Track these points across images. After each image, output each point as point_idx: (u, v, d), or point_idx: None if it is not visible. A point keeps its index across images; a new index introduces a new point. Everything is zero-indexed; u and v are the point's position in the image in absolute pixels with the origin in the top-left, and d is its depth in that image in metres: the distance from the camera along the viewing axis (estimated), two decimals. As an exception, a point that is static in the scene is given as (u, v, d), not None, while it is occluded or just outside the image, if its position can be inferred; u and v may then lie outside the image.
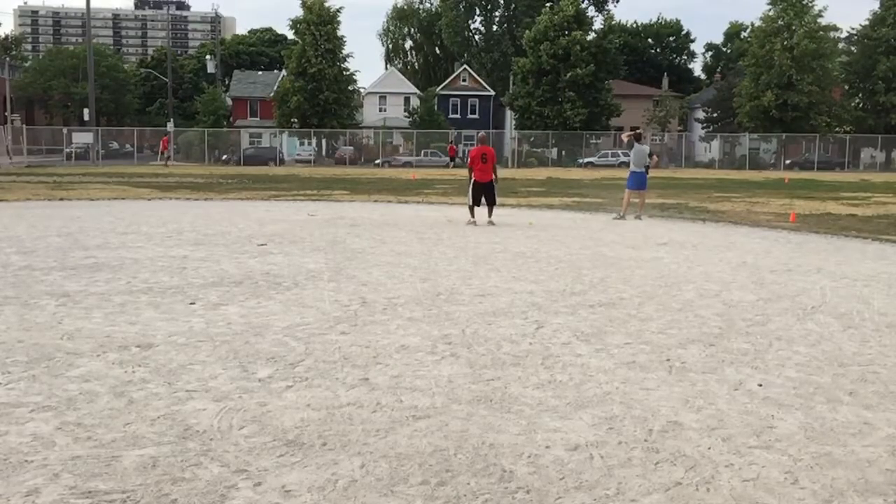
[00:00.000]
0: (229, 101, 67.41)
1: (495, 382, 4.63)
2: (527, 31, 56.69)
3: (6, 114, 58.05)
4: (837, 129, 54.00)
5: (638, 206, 15.98)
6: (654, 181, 19.93)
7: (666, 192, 23.28)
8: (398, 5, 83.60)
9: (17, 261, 9.04)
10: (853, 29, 56.41)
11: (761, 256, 10.40)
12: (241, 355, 5.13)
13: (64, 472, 3.30)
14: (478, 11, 75.76)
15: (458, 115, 65.02)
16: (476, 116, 65.92)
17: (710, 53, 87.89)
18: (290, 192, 22.74)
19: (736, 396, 4.47)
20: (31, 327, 5.80)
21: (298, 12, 55.14)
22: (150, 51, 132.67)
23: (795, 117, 52.28)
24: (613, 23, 62.30)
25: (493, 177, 14.34)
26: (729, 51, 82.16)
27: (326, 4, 54.27)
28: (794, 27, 52.18)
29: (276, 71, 72.06)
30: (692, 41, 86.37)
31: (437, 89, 64.32)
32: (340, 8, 55.10)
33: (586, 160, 52.69)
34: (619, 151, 51.92)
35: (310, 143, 56.92)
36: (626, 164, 18.26)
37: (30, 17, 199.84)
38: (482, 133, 16.02)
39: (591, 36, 56.12)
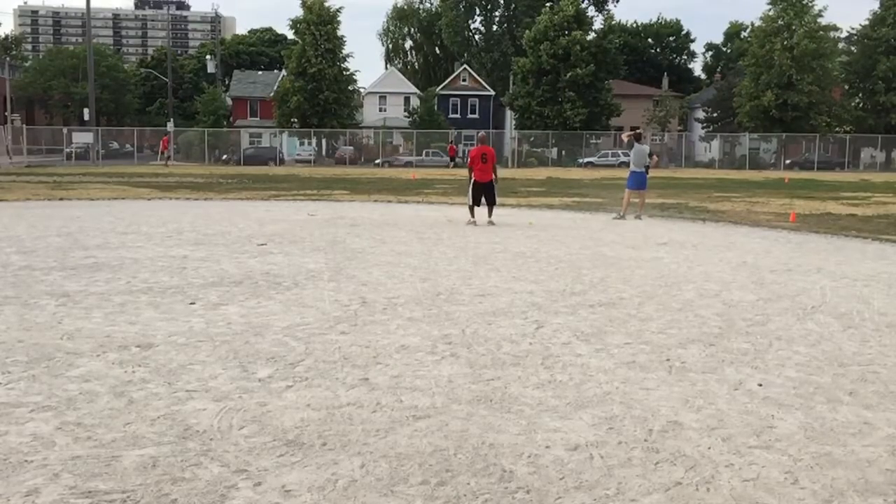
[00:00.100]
0: (229, 101, 67.42)
1: (495, 382, 4.63)
2: (527, 31, 56.70)
3: (6, 114, 58.06)
4: (837, 129, 54.01)
5: (638, 205, 15.98)
6: (654, 181, 19.93)
7: (666, 192, 23.28)
8: (398, 5, 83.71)
9: (17, 261, 9.04)
10: (853, 29, 56.50)
11: (761, 256, 10.40)
12: (241, 355, 5.13)
13: (64, 472, 3.30)
14: (478, 11, 75.76)
15: (458, 115, 65.02)
16: (476, 116, 65.92)
17: (710, 53, 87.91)
18: (290, 192, 22.74)
19: (736, 396, 4.47)
20: (31, 327, 5.80)
21: (298, 12, 55.24)
22: (150, 51, 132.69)
23: (795, 117, 52.29)
24: (613, 23, 62.32)
25: (493, 177, 14.34)
26: (729, 51, 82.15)
27: (326, 4, 54.28)
28: (794, 27, 52.18)
29: (276, 71, 72.06)
30: (692, 41, 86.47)
31: (437, 89, 64.32)
32: (340, 8, 55.20)
33: (586, 160, 52.69)
34: (619, 151, 51.92)
35: (310, 143, 56.93)
36: (626, 164, 18.26)
37: (30, 17, 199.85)
38: (482, 133, 16.02)
39: (591, 36, 56.12)
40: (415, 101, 62.76)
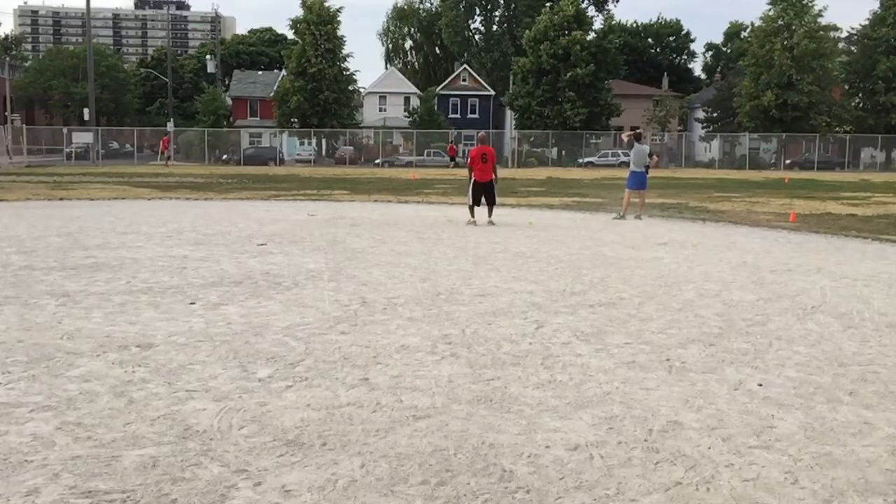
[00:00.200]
0: (229, 101, 67.42)
1: (495, 382, 4.63)
2: (527, 31, 56.70)
3: (6, 114, 58.04)
4: (837, 128, 54.01)
5: (638, 205, 15.98)
6: (654, 181, 19.92)
7: (666, 192, 23.28)
8: (398, 5, 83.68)
9: (17, 261, 9.04)
10: (853, 29, 56.49)
11: (761, 256, 10.40)
12: (241, 355, 5.13)
13: (64, 471, 3.30)
14: (478, 11, 75.75)
15: (458, 115, 65.02)
16: (476, 116, 65.93)
17: (710, 53, 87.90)
18: (290, 192, 22.74)
19: (736, 396, 4.47)
20: (31, 327, 5.80)
21: (298, 12, 55.21)
22: (150, 51, 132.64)
23: (795, 117, 52.29)
24: (613, 23, 62.33)
25: (493, 177, 14.35)
26: (729, 51, 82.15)
27: (326, 4, 54.28)
28: (794, 27, 52.17)
29: (276, 71, 72.05)
30: (692, 41, 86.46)
31: (437, 89, 64.33)
32: (340, 8, 55.20)
33: (586, 160, 52.70)
34: (619, 151, 51.93)
35: (310, 143, 56.93)
36: (626, 164, 18.26)
37: (30, 17, 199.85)
38: (482, 133, 16.02)
39: (591, 36, 56.12)
40: (415, 101, 62.76)
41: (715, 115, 61.20)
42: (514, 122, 58.23)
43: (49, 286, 7.44)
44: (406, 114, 62.51)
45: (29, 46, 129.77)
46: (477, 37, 77.50)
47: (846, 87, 56.50)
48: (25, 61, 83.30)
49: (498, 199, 14.76)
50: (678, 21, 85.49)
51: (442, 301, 7.01)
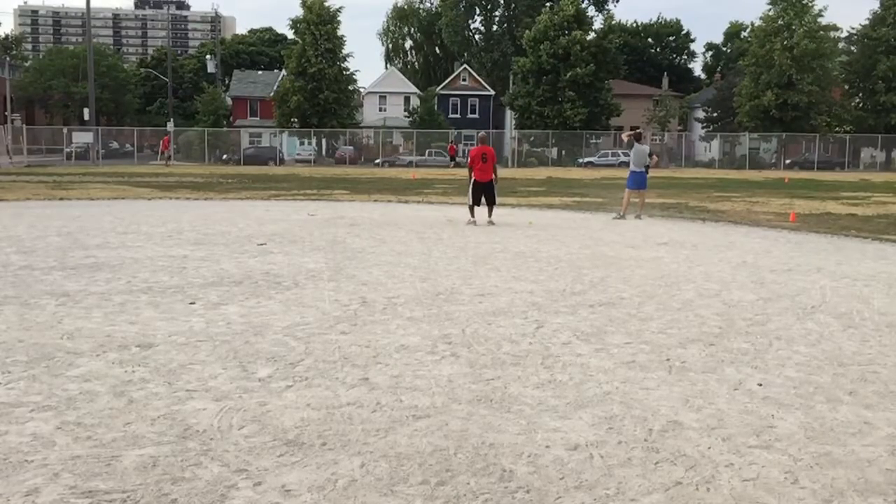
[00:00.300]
0: (229, 101, 67.39)
1: (495, 382, 4.63)
2: (527, 31, 56.70)
3: (6, 114, 58.03)
4: (837, 128, 54.02)
5: (638, 205, 15.98)
6: (653, 181, 19.93)
7: (666, 192, 23.28)
8: (398, 5, 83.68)
9: (17, 260, 9.04)
10: (853, 29, 56.46)
11: (761, 256, 10.40)
12: (241, 355, 5.13)
13: (64, 471, 3.30)
14: (478, 11, 75.70)
15: (458, 115, 65.02)
16: (476, 116, 65.93)
17: (710, 53, 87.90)
18: (290, 192, 22.74)
19: (736, 396, 4.47)
20: (31, 327, 5.80)
21: (298, 12, 55.19)
22: (150, 51, 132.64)
23: (795, 117, 52.30)
24: (613, 23, 62.32)
25: (494, 176, 14.35)
26: (729, 51, 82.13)
27: (326, 4, 54.26)
28: (794, 27, 52.18)
29: (276, 71, 72.05)
30: (692, 41, 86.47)
31: (437, 89, 64.32)
32: (340, 8, 55.18)
33: (586, 160, 52.68)
34: (619, 151, 51.92)
35: (310, 143, 56.92)
36: (626, 164, 18.26)
37: (30, 16, 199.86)
38: (482, 133, 16.03)
39: (591, 36, 56.12)
40: (415, 101, 62.75)
41: (715, 115, 61.22)
42: (514, 121, 58.23)
43: (49, 286, 7.44)
44: (406, 114, 62.51)
45: (29, 46, 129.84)
46: (477, 37, 77.48)
47: (846, 87, 56.49)
48: (25, 61, 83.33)
49: (498, 199, 14.76)
50: (678, 21, 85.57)
51: (442, 301, 7.01)
